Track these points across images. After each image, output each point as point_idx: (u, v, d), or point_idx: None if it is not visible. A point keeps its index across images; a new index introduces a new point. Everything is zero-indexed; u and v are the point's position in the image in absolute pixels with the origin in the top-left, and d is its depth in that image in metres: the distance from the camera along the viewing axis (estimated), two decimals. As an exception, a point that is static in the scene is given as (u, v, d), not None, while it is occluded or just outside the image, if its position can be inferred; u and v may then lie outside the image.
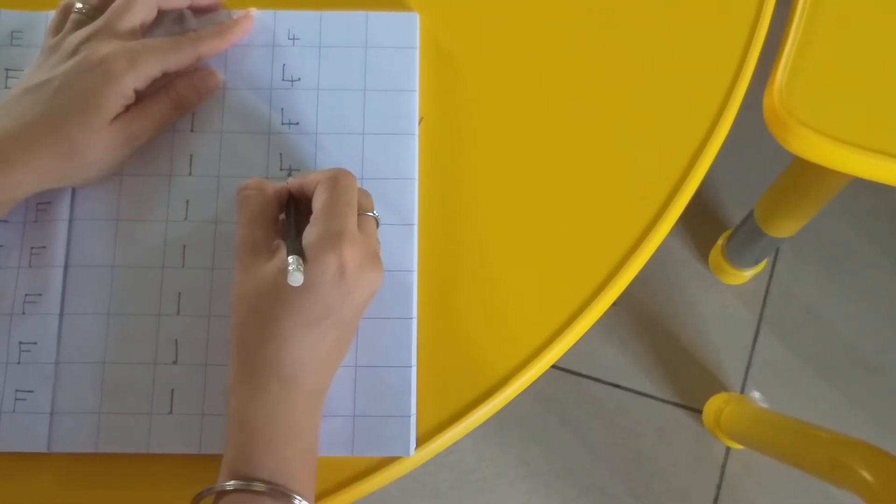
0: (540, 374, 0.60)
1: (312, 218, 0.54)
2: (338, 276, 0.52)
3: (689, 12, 0.66)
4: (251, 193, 0.56)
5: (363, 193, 0.57)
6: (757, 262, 1.40)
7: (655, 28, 0.66)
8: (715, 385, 1.41)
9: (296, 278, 0.50)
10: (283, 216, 0.57)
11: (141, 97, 0.59)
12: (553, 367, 1.39)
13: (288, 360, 0.52)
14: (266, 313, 0.52)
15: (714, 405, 1.36)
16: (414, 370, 0.58)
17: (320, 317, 0.52)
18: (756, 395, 1.35)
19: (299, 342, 0.52)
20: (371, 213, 0.57)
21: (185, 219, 0.61)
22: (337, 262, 0.52)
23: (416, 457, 0.58)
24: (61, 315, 0.59)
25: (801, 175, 1.05)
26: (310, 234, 0.53)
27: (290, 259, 0.51)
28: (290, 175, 0.61)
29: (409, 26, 0.64)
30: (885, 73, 0.73)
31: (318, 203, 0.54)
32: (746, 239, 1.30)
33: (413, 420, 0.58)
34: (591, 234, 0.62)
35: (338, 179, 0.54)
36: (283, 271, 0.52)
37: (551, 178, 0.63)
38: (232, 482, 0.50)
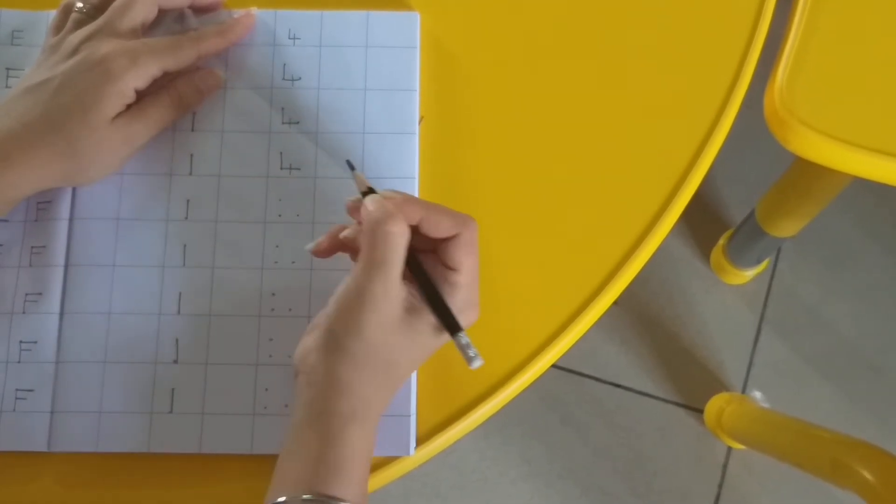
0: (540, 373, 0.60)
1: (457, 281, 0.53)
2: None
3: (690, 12, 0.66)
4: (399, 231, 0.52)
5: None
6: (758, 262, 1.40)
7: (656, 27, 0.66)
8: (716, 385, 1.41)
9: (478, 363, 0.53)
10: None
11: (142, 96, 0.59)
12: (554, 366, 1.40)
13: (388, 403, 0.54)
14: (396, 363, 0.53)
15: (715, 405, 1.36)
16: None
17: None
18: (757, 394, 1.35)
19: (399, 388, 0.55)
20: None
21: (186, 218, 0.61)
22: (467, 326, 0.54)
23: (416, 456, 0.58)
24: (61, 314, 0.59)
25: (802, 174, 1.05)
26: (456, 302, 0.53)
27: (468, 343, 0.53)
28: (353, 169, 0.57)
29: (409, 26, 0.64)
30: (886, 72, 0.73)
31: (462, 266, 0.53)
32: (748, 238, 1.30)
33: (413, 420, 0.58)
34: (592, 233, 0.62)
35: (472, 238, 0.54)
36: (428, 333, 0.53)
37: (551, 177, 0.63)
38: (308, 495, 0.50)
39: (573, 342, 0.61)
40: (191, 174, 0.61)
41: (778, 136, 0.72)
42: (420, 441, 0.58)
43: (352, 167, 0.57)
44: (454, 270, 0.53)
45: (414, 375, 0.58)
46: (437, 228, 0.53)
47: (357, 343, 0.51)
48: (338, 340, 0.51)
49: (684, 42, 0.66)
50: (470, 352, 0.52)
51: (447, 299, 0.53)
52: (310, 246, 0.56)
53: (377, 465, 0.58)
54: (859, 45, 0.73)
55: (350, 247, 0.56)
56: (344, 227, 0.56)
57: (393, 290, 0.52)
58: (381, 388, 0.53)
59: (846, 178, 1.00)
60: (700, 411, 1.40)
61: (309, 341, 0.53)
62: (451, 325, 0.53)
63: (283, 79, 0.63)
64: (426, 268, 0.54)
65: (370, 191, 0.55)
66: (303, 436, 0.51)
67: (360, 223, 0.54)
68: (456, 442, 0.59)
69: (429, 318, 0.53)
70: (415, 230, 0.53)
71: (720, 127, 0.64)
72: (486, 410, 0.59)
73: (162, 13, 0.62)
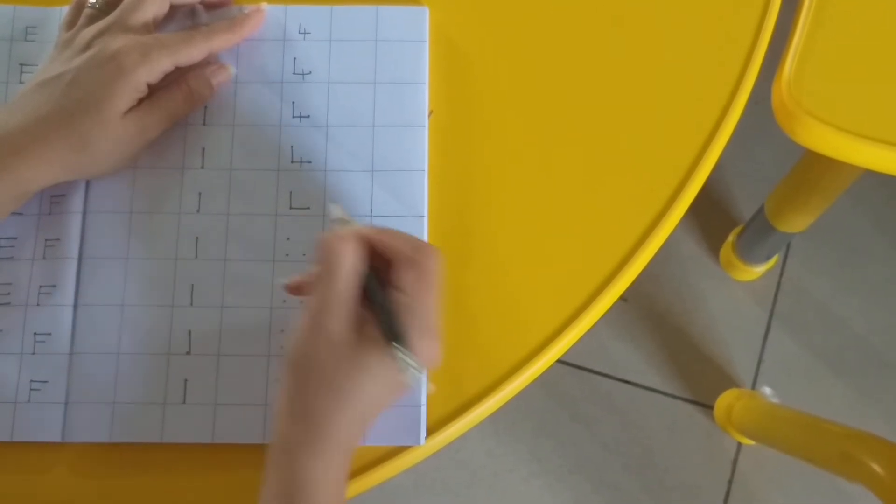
0: (548, 365, 0.61)
1: (405, 305, 0.52)
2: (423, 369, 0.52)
3: (698, 5, 0.66)
4: (342, 249, 0.52)
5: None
6: (768, 258, 1.40)
7: (663, 21, 0.66)
8: (726, 381, 1.41)
9: (418, 380, 0.51)
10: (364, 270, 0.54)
11: (153, 91, 0.59)
12: (564, 363, 1.40)
13: (356, 433, 0.52)
14: (344, 387, 0.51)
15: (725, 401, 1.36)
16: (424, 360, 0.59)
17: (391, 401, 0.54)
18: (767, 390, 1.35)
19: (369, 421, 0.53)
20: None
21: (198, 211, 0.61)
22: (428, 361, 0.52)
23: (426, 447, 0.58)
24: (75, 306, 0.59)
25: (811, 168, 1.05)
26: (405, 325, 0.51)
27: (410, 360, 0.50)
28: (331, 203, 0.58)
29: (418, 20, 0.65)
30: (894, 63, 0.73)
31: (409, 288, 0.52)
32: (757, 234, 1.30)
33: (423, 410, 0.58)
34: (599, 226, 0.62)
35: (427, 265, 0.52)
36: (374, 356, 0.51)
37: (559, 170, 0.63)
38: None
39: (580, 335, 0.61)
40: (203, 168, 0.62)
41: (785, 128, 0.73)
42: (429, 432, 0.58)
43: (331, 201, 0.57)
44: (401, 291, 0.52)
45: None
46: (394, 252, 0.53)
47: (304, 361, 0.51)
48: (289, 361, 0.52)
49: (692, 35, 0.66)
50: (410, 361, 0.50)
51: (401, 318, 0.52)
52: (282, 280, 0.57)
53: (386, 456, 0.58)
54: (867, 35, 0.73)
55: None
56: None
57: (335, 307, 0.51)
58: (336, 416, 0.51)
59: (855, 171, 1.00)
60: (710, 407, 1.40)
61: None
62: (390, 332, 0.51)
63: (294, 73, 0.64)
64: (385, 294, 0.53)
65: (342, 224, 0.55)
66: (273, 464, 0.52)
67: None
68: (464, 434, 0.60)
69: (373, 334, 0.51)
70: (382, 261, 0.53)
71: (727, 120, 0.64)
72: (493, 403, 0.59)
73: (173, 9, 0.63)
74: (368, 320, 0.52)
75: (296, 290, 0.57)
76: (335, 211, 0.55)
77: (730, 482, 1.38)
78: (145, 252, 0.60)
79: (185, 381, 0.59)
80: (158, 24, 0.62)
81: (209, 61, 0.62)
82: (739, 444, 1.39)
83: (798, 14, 0.73)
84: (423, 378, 0.51)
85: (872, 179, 1.23)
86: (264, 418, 0.58)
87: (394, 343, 0.51)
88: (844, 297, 1.44)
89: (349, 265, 0.52)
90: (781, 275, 1.45)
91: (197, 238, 0.61)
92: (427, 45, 0.64)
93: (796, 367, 1.42)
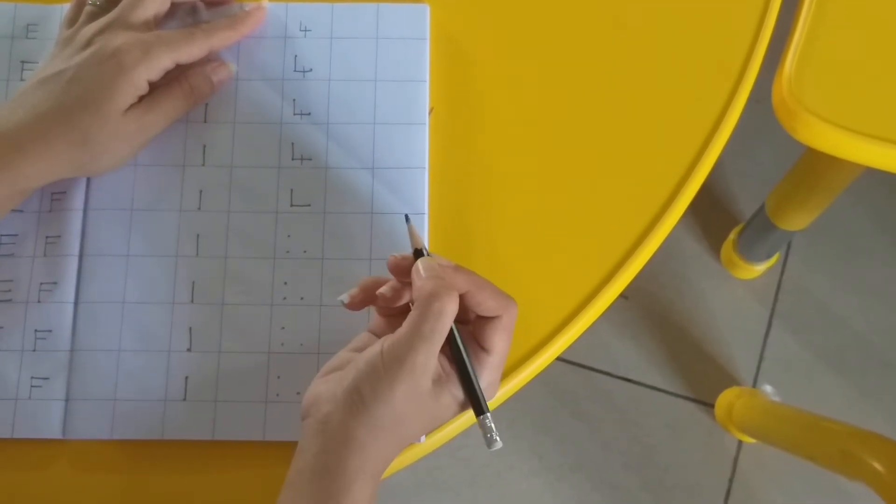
0: (546, 364, 0.61)
1: (489, 364, 0.53)
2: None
3: (698, 4, 0.66)
4: (453, 310, 0.51)
5: None
6: (769, 256, 1.40)
7: (663, 20, 0.66)
8: (727, 379, 1.41)
9: (497, 445, 0.52)
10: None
11: (154, 88, 0.59)
12: (565, 360, 1.40)
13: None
14: (410, 428, 0.52)
15: (726, 399, 1.36)
16: (424, 357, 0.59)
17: None
18: (768, 388, 1.35)
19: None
20: None
21: (199, 208, 0.61)
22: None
23: (426, 444, 0.58)
24: (76, 303, 0.59)
25: (812, 166, 1.05)
26: (482, 381, 0.53)
27: (495, 432, 0.52)
28: (408, 221, 0.56)
29: (419, 17, 0.65)
30: (894, 60, 0.73)
31: (493, 346, 0.53)
32: (758, 232, 1.30)
33: (423, 407, 0.58)
34: (599, 224, 0.62)
35: (510, 322, 0.54)
36: (449, 407, 0.52)
37: (560, 168, 0.63)
38: None
39: (580, 333, 0.61)
40: (203, 165, 0.62)
41: (786, 126, 0.73)
42: (430, 429, 0.58)
43: (407, 220, 0.56)
44: (486, 352, 0.53)
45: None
46: (480, 307, 0.53)
47: (384, 409, 0.50)
48: (364, 402, 0.50)
49: (693, 33, 0.66)
50: (492, 434, 0.52)
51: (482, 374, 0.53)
52: (343, 297, 0.55)
53: (388, 452, 0.58)
54: (867, 33, 0.73)
55: (381, 304, 0.55)
56: (377, 281, 0.55)
57: (431, 363, 0.51)
58: (392, 449, 0.52)
59: (855, 169, 1.00)
60: (711, 406, 1.40)
61: (323, 388, 0.52)
62: (479, 406, 0.52)
63: (295, 70, 0.64)
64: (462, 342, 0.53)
65: (420, 252, 0.54)
66: (307, 487, 0.50)
67: (399, 281, 0.54)
68: (465, 431, 0.60)
69: (454, 392, 0.52)
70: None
71: (728, 119, 0.64)
72: (493, 400, 0.59)
73: (174, 6, 0.63)
74: (443, 365, 0.52)
75: (358, 305, 0.55)
76: (416, 240, 0.55)
77: (730, 480, 1.38)
78: (146, 249, 0.60)
79: (186, 378, 0.59)
80: (159, 22, 0.62)
81: (210, 59, 0.62)
82: (740, 443, 1.39)
83: (798, 12, 0.73)
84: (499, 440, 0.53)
85: (873, 177, 1.23)
86: (264, 415, 0.58)
87: (488, 415, 0.52)
88: (845, 295, 1.44)
89: (450, 324, 0.52)
90: (782, 273, 1.45)
91: (198, 235, 0.61)
92: (428, 42, 0.64)
93: (797, 365, 1.42)
